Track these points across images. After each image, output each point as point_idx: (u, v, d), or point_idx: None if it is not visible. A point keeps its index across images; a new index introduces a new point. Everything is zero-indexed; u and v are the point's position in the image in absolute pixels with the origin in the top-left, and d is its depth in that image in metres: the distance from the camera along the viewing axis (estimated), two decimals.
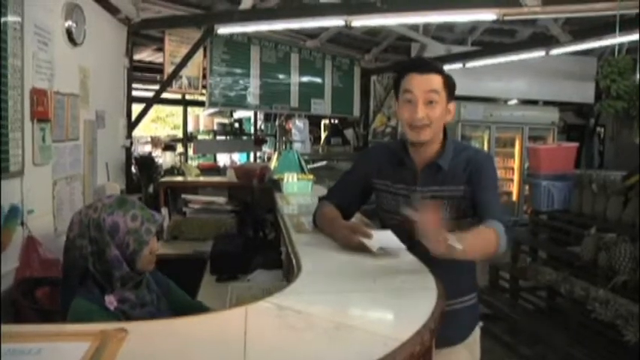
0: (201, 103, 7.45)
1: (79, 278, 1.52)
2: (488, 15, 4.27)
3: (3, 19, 2.42)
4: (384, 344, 0.90)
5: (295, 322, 1.01)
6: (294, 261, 1.52)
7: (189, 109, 8.46)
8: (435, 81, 1.66)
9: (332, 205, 1.87)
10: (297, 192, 3.04)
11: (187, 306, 1.78)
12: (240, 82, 6.36)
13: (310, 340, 0.95)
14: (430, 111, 1.65)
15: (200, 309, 1.82)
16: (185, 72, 5.63)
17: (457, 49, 7.37)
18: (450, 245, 1.26)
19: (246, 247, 2.91)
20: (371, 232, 1.57)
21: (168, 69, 5.50)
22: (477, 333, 1.84)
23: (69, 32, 3.30)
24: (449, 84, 1.70)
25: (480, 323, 1.86)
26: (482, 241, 1.48)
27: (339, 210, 1.84)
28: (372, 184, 1.86)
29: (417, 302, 1.15)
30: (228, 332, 0.97)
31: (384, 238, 1.57)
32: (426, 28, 7.02)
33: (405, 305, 1.15)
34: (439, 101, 1.66)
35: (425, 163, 1.74)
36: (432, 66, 1.70)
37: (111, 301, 1.49)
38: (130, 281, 1.54)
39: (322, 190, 3.29)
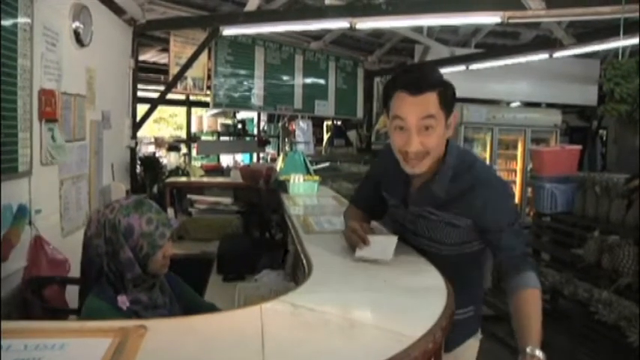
0: (205, 104, 7.48)
1: (95, 276, 1.54)
2: (492, 18, 4.28)
3: (13, 21, 2.44)
4: (398, 341, 0.92)
5: (310, 320, 1.03)
6: (304, 261, 1.53)
7: (193, 109, 8.48)
8: (430, 103, 1.42)
9: (356, 207, 1.86)
10: (304, 193, 3.06)
11: (199, 307, 1.80)
12: (245, 83, 6.39)
13: (326, 338, 0.97)
14: (426, 139, 1.44)
15: (212, 310, 1.83)
16: (190, 73, 5.66)
17: (460, 51, 7.39)
18: None
19: (253, 247, 2.93)
20: (369, 239, 1.49)
21: (174, 70, 5.52)
22: (469, 344, 1.73)
23: (76, 33, 3.32)
24: (446, 99, 1.45)
25: (480, 335, 1.77)
26: (538, 315, 1.40)
27: (365, 212, 1.81)
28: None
29: (427, 301, 1.17)
30: (246, 330, 0.99)
31: (380, 245, 1.50)
32: (430, 30, 7.05)
33: (417, 304, 1.17)
34: (436, 126, 1.44)
35: (422, 179, 1.58)
36: (425, 84, 1.43)
37: (123, 301, 1.51)
38: (142, 283, 1.56)
39: (327, 191, 3.32)
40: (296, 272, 2.29)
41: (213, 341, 0.95)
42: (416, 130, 1.43)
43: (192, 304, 1.79)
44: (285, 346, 0.93)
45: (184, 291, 1.80)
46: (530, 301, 1.41)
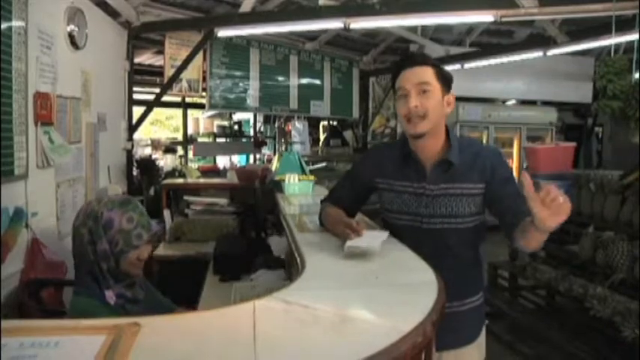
0: (200, 106, 7.49)
1: (77, 272, 1.60)
2: (485, 16, 4.31)
3: (8, 24, 2.45)
4: (388, 335, 0.93)
5: (302, 316, 1.04)
6: (298, 259, 1.55)
7: (189, 111, 8.49)
8: (426, 73, 1.67)
9: (334, 205, 1.90)
10: (299, 192, 3.07)
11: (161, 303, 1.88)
12: (240, 84, 6.40)
13: (318, 333, 0.99)
14: (424, 100, 1.65)
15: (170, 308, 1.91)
16: (185, 75, 5.67)
17: (455, 50, 7.42)
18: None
19: (249, 247, 2.94)
20: (362, 232, 1.57)
21: (169, 72, 5.53)
22: (484, 332, 1.87)
23: (71, 36, 3.33)
24: (442, 75, 1.70)
25: (486, 321, 1.89)
26: None
27: (347, 210, 1.86)
28: (374, 185, 1.86)
29: (418, 296, 1.18)
30: (238, 326, 1.00)
31: (370, 238, 1.56)
32: (424, 30, 7.08)
33: (408, 299, 1.18)
34: (432, 91, 1.66)
35: (433, 160, 1.74)
36: (420, 59, 1.71)
37: (110, 296, 1.56)
38: (121, 278, 1.60)
39: (322, 191, 3.33)
40: (291, 271, 2.30)
41: (205, 337, 0.96)
42: (414, 93, 1.66)
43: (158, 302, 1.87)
44: (276, 341, 0.95)
45: (150, 289, 1.85)
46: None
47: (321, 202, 2.01)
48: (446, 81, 1.71)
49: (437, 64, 1.73)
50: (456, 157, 1.71)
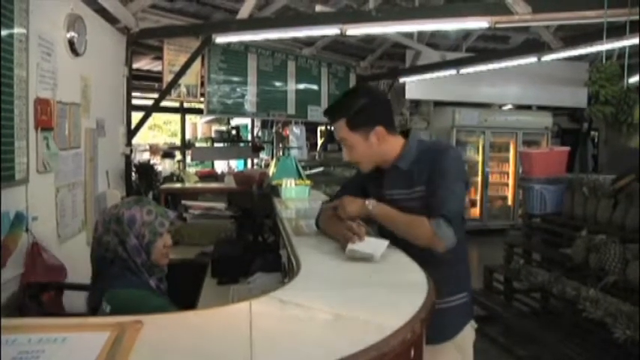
0: (198, 111, 7.54)
1: (108, 272, 1.66)
2: (480, 23, 4.36)
3: (9, 31, 2.50)
4: (378, 332, 0.98)
5: (297, 314, 1.09)
6: (293, 261, 1.59)
7: (187, 116, 8.54)
8: (340, 129, 1.78)
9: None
10: (295, 197, 3.12)
11: None
12: (238, 89, 6.45)
13: (312, 329, 1.04)
14: (350, 153, 1.81)
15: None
16: (183, 80, 5.71)
17: (451, 55, 7.48)
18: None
19: (246, 250, 2.98)
20: (364, 237, 1.61)
21: (167, 77, 5.57)
22: (467, 332, 1.86)
23: (71, 43, 3.36)
24: (355, 122, 1.75)
25: (474, 324, 1.89)
26: (407, 221, 1.66)
27: None
28: (367, 189, 1.94)
29: (409, 295, 1.23)
30: (235, 323, 1.05)
31: (372, 244, 1.60)
32: (421, 35, 7.13)
33: (398, 298, 1.23)
34: (352, 144, 1.78)
35: (388, 166, 1.84)
36: (333, 114, 1.81)
37: (152, 284, 1.70)
38: (152, 271, 1.71)
39: (319, 195, 3.38)
40: (288, 274, 2.34)
41: (204, 333, 1.00)
42: (345, 146, 1.82)
43: None
44: (272, 336, 0.99)
45: None
46: (419, 219, 1.65)
47: (322, 204, 2.09)
48: (361, 123, 1.75)
49: (349, 111, 1.75)
50: (406, 163, 1.77)
